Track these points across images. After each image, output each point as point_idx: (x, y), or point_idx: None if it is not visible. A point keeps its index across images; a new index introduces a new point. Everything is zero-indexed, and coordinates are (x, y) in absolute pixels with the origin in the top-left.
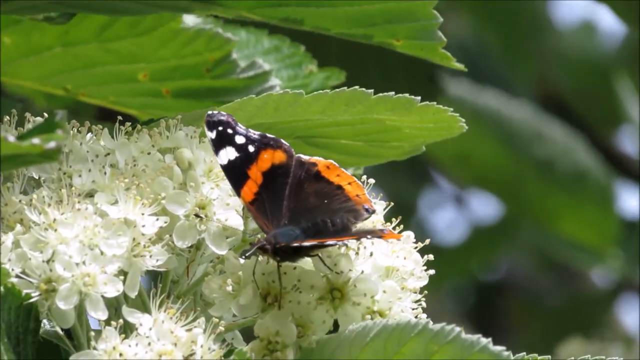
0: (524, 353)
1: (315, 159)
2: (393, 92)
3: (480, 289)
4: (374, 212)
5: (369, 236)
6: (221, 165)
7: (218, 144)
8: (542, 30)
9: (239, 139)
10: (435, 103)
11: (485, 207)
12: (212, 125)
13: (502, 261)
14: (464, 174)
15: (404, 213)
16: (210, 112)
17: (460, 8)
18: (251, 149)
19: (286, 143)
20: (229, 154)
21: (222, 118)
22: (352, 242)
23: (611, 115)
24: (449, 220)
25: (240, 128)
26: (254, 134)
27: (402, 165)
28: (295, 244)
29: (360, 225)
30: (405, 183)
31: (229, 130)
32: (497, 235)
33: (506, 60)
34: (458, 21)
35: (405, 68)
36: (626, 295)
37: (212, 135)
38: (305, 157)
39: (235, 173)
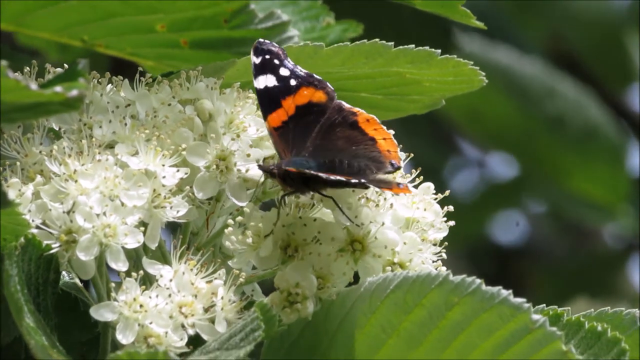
0: (544, 305)
1: (357, 109)
2: (413, 45)
3: (495, 250)
4: (399, 168)
5: (374, 185)
6: (256, 89)
7: (260, 70)
8: None
9: (284, 72)
10: (455, 56)
11: (505, 168)
12: (259, 52)
13: (518, 223)
14: (476, 131)
15: (428, 176)
16: (261, 40)
17: None
18: (293, 82)
19: (331, 86)
20: (268, 80)
21: (273, 48)
22: (370, 192)
23: (622, 73)
24: (471, 183)
25: (289, 63)
26: (301, 71)
27: (426, 130)
28: (294, 170)
29: (379, 176)
30: (429, 147)
31: (276, 61)
32: (511, 193)
33: (518, 17)
34: None
35: (419, 22)
36: (637, 255)
37: (257, 60)
38: (346, 105)
39: (269, 99)
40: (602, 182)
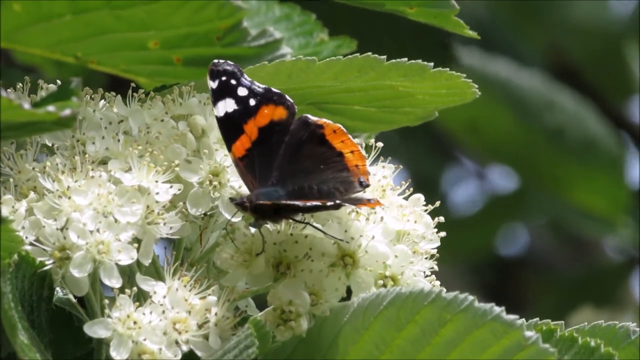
0: (537, 319)
1: (323, 121)
2: (406, 59)
3: (497, 262)
4: (367, 186)
5: (346, 204)
6: (217, 118)
7: (218, 95)
8: (554, 0)
9: (242, 91)
10: (448, 69)
11: (504, 181)
12: (215, 74)
13: (518, 234)
14: (475, 144)
15: (428, 188)
16: (215, 61)
17: None
18: (252, 102)
19: (290, 100)
20: (227, 105)
21: (228, 68)
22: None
23: (622, 84)
24: (470, 195)
25: (245, 80)
26: (259, 87)
27: (426, 142)
28: (267, 203)
29: (349, 196)
30: (429, 159)
31: (232, 81)
32: (511, 205)
33: (518, 29)
34: None
35: (416, 36)
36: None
37: (214, 85)
38: (312, 118)
39: (230, 126)
40: (603, 193)
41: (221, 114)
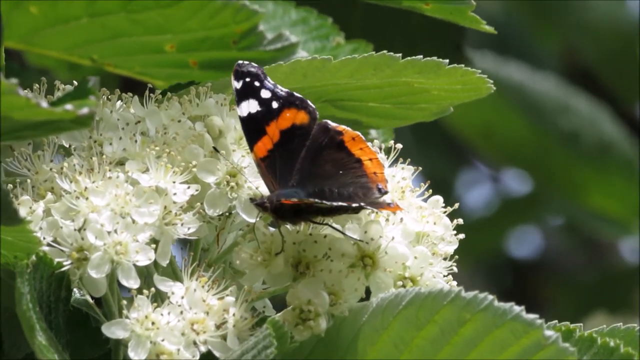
0: (556, 321)
1: (342, 127)
2: (421, 56)
3: (511, 265)
4: (386, 192)
5: (369, 207)
6: (240, 117)
7: (241, 95)
8: (570, 1)
9: (265, 94)
10: (463, 65)
11: (518, 184)
12: (239, 75)
13: (532, 237)
14: (489, 148)
15: (442, 192)
16: (240, 62)
17: None
18: (275, 105)
19: (312, 105)
20: (250, 106)
21: (252, 69)
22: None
23: (637, 85)
24: (486, 198)
25: (269, 82)
26: (281, 90)
27: (440, 146)
28: (290, 202)
29: (368, 201)
30: (443, 163)
31: (256, 83)
32: (525, 208)
33: (533, 30)
34: None
35: (429, 39)
36: None
37: (238, 85)
38: (332, 124)
39: (253, 127)
40: (617, 196)
41: (244, 114)
